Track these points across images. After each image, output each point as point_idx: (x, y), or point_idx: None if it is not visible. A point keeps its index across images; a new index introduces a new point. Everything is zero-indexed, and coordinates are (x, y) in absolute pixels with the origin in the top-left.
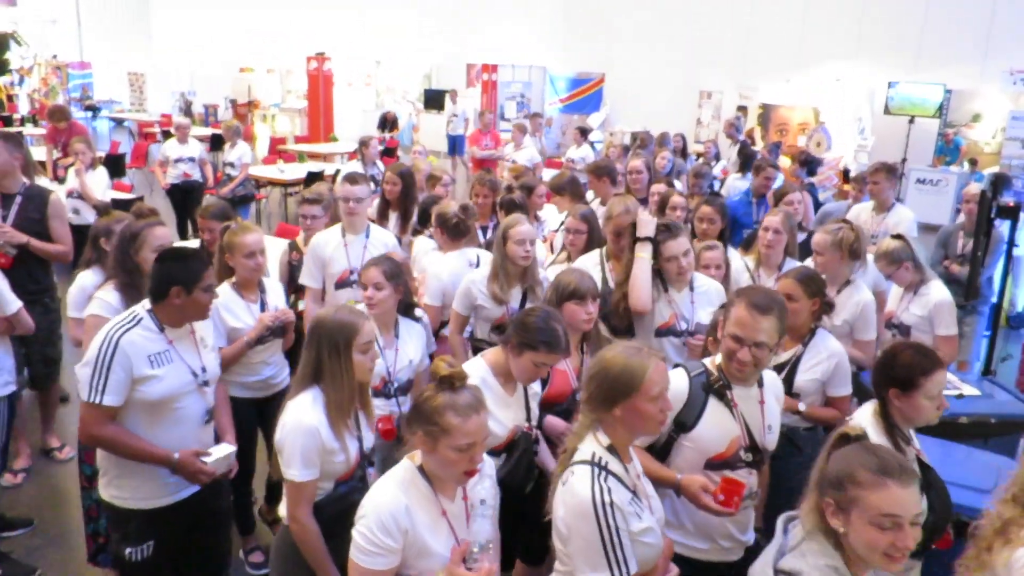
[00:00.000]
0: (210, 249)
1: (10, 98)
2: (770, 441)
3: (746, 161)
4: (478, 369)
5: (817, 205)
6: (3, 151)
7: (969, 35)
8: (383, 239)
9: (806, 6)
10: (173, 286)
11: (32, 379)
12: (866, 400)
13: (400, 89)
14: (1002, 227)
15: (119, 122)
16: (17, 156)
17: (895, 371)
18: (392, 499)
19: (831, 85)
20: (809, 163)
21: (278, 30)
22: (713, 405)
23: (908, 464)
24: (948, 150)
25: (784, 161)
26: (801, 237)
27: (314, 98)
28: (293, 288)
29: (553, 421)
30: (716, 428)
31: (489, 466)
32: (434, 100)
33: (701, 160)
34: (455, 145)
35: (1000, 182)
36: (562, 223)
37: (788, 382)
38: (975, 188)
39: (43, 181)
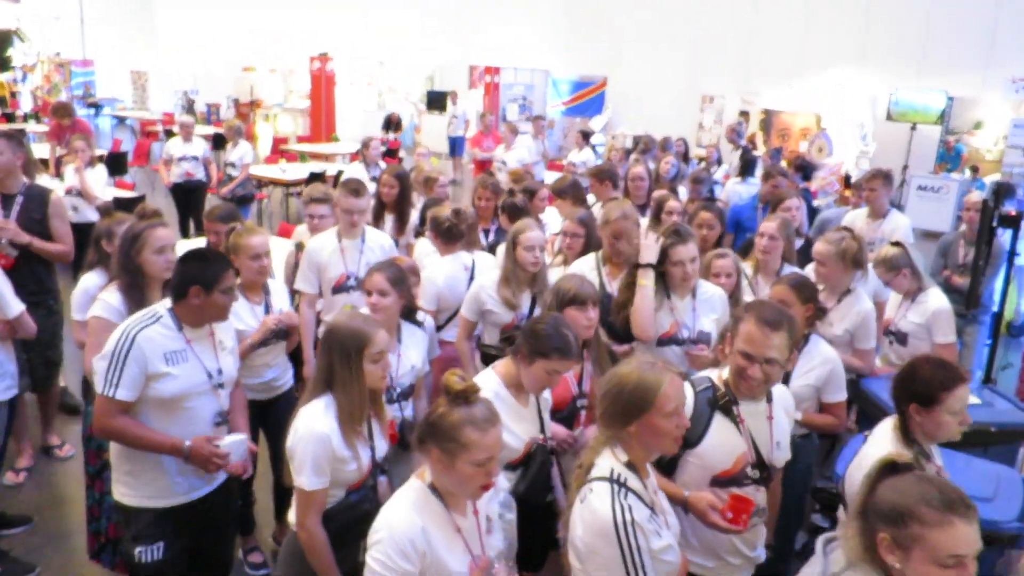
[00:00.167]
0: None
1: (13, 95)
2: (778, 458)
3: (746, 166)
4: (490, 382)
5: (811, 211)
6: (5, 150)
7: (971, 43)
8: (380, 241)
9: (809, 12)
10: (193, 286)
11: (32, 381)
12: (864, 407)
13: (402, 90)
14: (1004, 236)
15: (121, 120)
16: (19, 155)
17: (915, 386)
18: (408, 522)
19: (833, 91)
20: (804, 168)
21: (281, 30)
22: (719, 421)
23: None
24: (950, 157)
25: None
26: (798, 243)
27: (316, 98)
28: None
29: (555, 429)
30: (722, 445)
31: (501, 479)
32: (436, 101)
33: (703, 164)
34: (454, 146)
35: (1002, 191)
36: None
37: None
38: (976, 196)
39: (44, 179)
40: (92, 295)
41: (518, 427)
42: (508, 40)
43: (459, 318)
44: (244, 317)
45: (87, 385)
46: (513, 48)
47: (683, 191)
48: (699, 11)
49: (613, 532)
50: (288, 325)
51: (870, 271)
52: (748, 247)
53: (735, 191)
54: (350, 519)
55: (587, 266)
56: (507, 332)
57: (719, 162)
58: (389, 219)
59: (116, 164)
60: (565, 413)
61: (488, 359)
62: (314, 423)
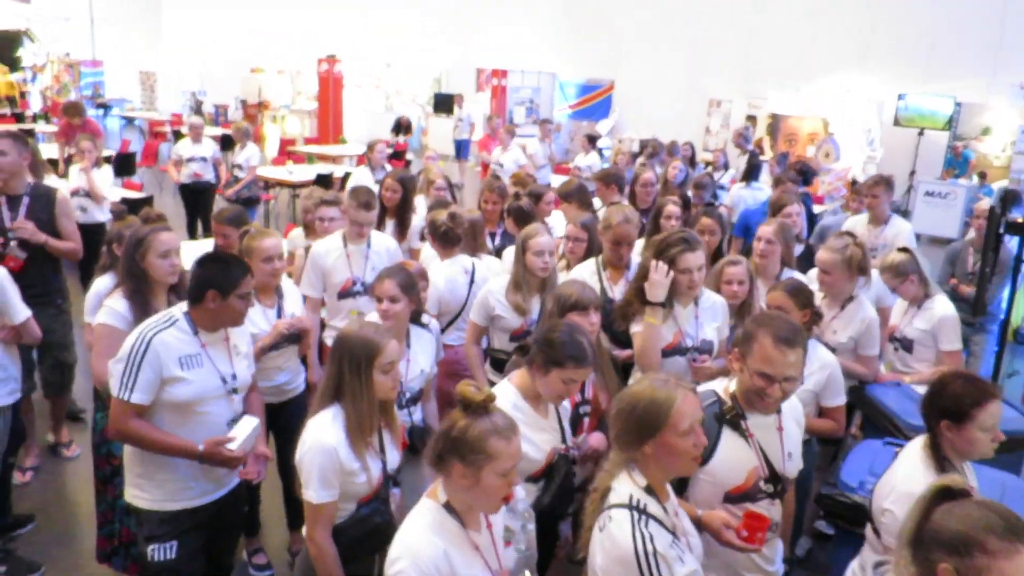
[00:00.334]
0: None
1: (23, 95)
2: (790, 469)
3: (751, 170)
4: (508, 394)
5: (810, 216)
6: (11, 151)
7: (979, 48)
8: (385, 245)
9: (816, 16)
10: (209, 290)
11: (44, 384)
12: (869, 413)
13: (409, 92)
14: (1011, 243)
15: (130, 120)
16: (24, 155)
17: (945, 402)
18: (430, 545)
19: (840, 96)
20: (804, 172)
21: (289, 31)
22: (728, 436)
23: None
24: (957, 163)
25: None
26: (798, 249)
27: (324, 100)
28: None
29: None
30: (732, 460)
31: (518, 489)
32: (443, 104)
33: (709, 168)
34: (459, 149)
35: (1009, 198)
36: None
37: None
38: (986, 204)
39: (51, 180)
40: (104, 298)
41: (538, 438)
42: (514, 42)
43: (466, 322)
44: (256, 320)
45: (97, 392)
46: (519, 50)
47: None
48: (706, 15)
49: (635, 563)
50: (300, 329)
51: (874, 277)
52: (747, 253)
53: (740, 196)
54: (362, 532)
55: (588, 271)
56: (517, 338)
57: (726, 166)
58: (390, 223)
59: (124, 165)
60: (568, 419)
61: (497, 364)
62: (321, 435)
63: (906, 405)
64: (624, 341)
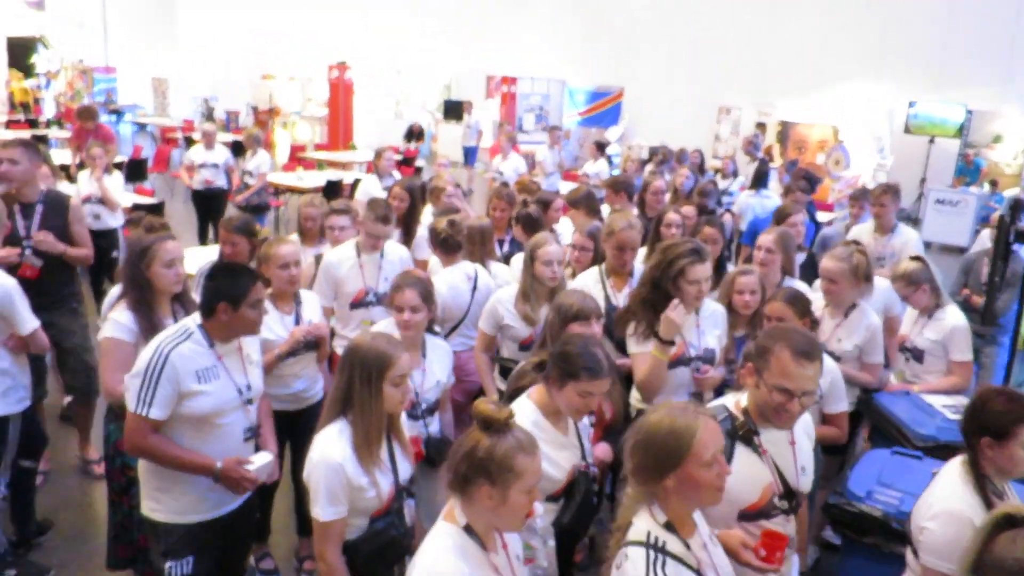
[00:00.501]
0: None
1: (36, 101)
2: (804, 483)
3: (759, 178)
4: (527, 411)
5: (815, 223)
6: (22, 159)
7: (990, 56)
8: (398, 254)
9: (826, 24)
10: (220, 302)
11: (70, 388)
12: (878, 422)
13: (419, 99)
14: (1022, 252)
15: (142, 126)
16: (36, 163)
17: (987, 419)
18: (456, 572)
19: (851, 103)
20: (808, 180)
21: (300, 38)
22: (741, 453)
23: None
24: (968, 171)
25: None
26: (801, 257)
27: (334, 106)
28: None
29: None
30: (746, 477)
31: (538, 506)
32: (453, 111)
33: (719, 175)
34: (467, 156)
35: (1019, 206)
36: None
37: None
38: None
39: (62, 186)
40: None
41: (560, 456)
42: (524, 49)
43: (469, 328)
44: (273, 327)
45: (110, 407)
46: (529, 57)
47: None
48: (717, 22)
49: None
50: (317, 336)
51: (884, 285)
52: (747, 261)
53: (748, 204)
54: (378, 546)
55: (591, 279)
56: (526, 347)
57: (735, 174)
58: (396, 232)
59: (136, 171)
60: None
61: (506, 373)
62: (328, 451)
63: (915, 415)
64: (627, 349)
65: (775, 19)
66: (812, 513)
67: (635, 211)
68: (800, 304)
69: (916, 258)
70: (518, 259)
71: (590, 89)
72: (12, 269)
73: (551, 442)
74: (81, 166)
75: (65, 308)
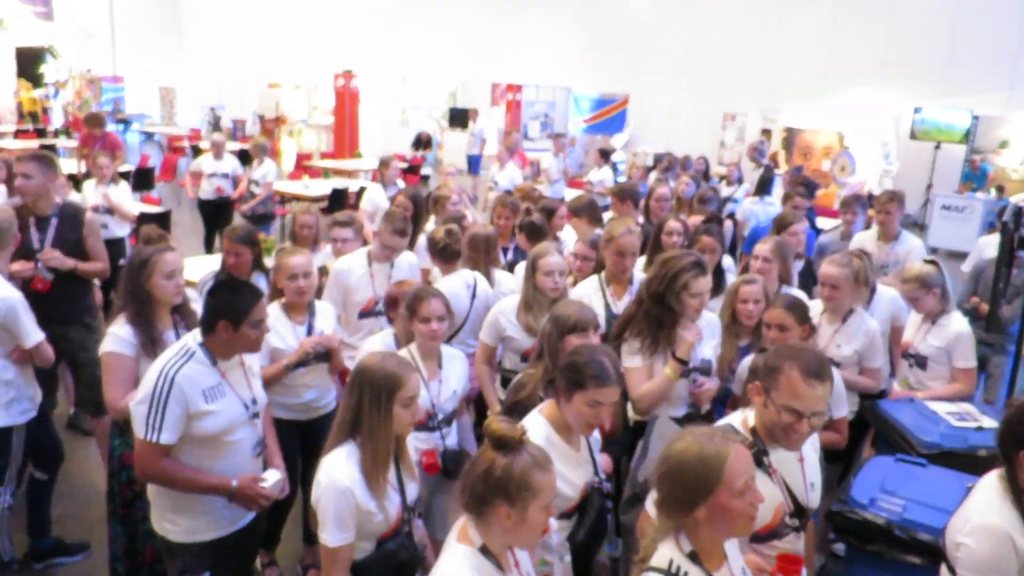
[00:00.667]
0: (231, 272)
1: (44, 110)
2: (813, 499)
3: (763, 184)
4: (539, 427)
5: (814, 230)
6: (36, 173)
7: (996, 61)
8: (408, 261)
9: (832, 30)
10: (221, 320)
11: (81, 402)
12: (882, 429)
13: (425, 106)
14: None
15: (149, 135)
16: (50, 177)
17: None
18: None
19: (856, 109)
20: (808, 186)
21: (306, 47)
22: None
23: None
24: (975, 176)
25: None
26: (799, 265)
27: (340, 114)
28: None
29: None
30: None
31: (552, 521)
32: (459, 118)
33: (722, 182)
34: (471, 164)
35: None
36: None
37: None
38: None
39: (72, 196)
40: None
41: (573, 473)
42: (529, 56)
43: (468, 336)
44: (285, 336)
45: (115, 421)
46: (534, 65)
47: None
48: (722, 29)
49: None
50: (328, 347)
51: (889, 295)
52: (744, 270)
53: (751, 210)
54: (388, 567)
55: (591, 288)
56: (528, 358)
57: (740, 180)
58: None
59: (143, 179)
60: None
61: (508, 384)
62: (336, 475)
63: (919, 422)
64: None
65: (780, 26)
66: (816, 521)
67: (640, 218)
68: (799, 310)
69: (931, 261)
70: (522, 268)
71: (595, 96)
72: (26, 282)
73: (564, 459)
74: (87, 175)
75: (79, 322)
